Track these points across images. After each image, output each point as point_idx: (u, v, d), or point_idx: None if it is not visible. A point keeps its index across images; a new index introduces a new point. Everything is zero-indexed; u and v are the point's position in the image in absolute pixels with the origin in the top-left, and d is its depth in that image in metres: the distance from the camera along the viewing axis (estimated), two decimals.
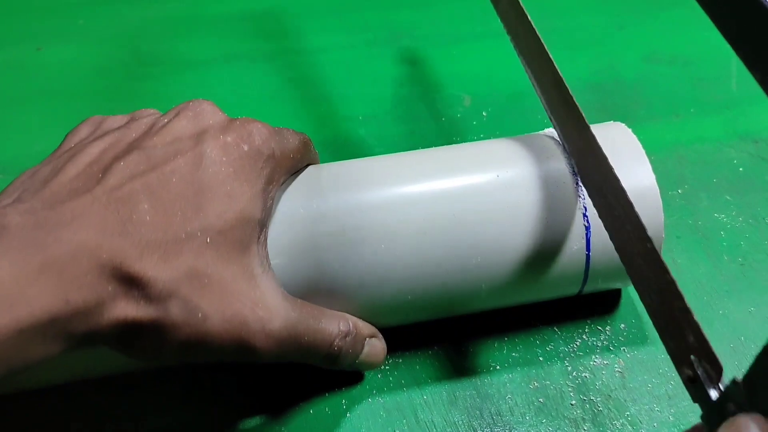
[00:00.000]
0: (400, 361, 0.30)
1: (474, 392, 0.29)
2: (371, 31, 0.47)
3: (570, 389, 0.29)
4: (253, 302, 0.23)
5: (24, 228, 0.20)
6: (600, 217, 0.25)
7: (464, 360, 0.30)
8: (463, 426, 0.28)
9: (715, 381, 0.19)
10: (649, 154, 0.39)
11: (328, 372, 0.29)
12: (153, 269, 0.21)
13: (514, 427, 0.28)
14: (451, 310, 0.29)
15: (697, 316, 0.32)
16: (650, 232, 0.22)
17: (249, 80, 0.44)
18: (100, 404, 0.29)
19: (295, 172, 0.28)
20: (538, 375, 0.29)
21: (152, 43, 0.46)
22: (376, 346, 0.28)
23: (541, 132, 0.31)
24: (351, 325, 0.26)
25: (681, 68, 0.44)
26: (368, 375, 0.30)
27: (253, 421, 0.28)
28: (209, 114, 0.25)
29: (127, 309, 0.21)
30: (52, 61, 0.45)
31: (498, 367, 0.30)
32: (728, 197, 0.37)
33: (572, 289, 0.29)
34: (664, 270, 0.21)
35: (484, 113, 0.41)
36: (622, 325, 0.31)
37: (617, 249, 0.24)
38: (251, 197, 0.24)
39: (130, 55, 0.45)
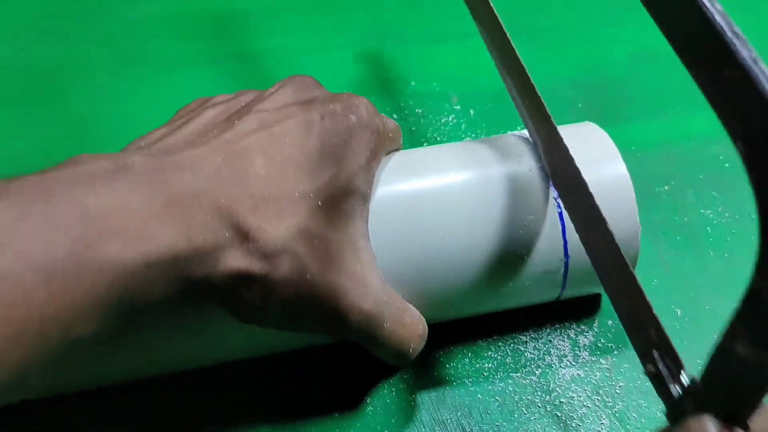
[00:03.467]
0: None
1: (463, 390, 0.29)
2: (358, 30, 0.47)
3: (558, 386, 0.29)
4: (354, 274, 0.23)
5: (147, 168, 0.20)
6: (571, 219, 0.25)
7: (454, 360, 0.30)
8: (452, 424, 0.28)
9: (676, 377, 0.19)
10: (636, 151, 0.39)
11: (317, 371, 0.29)
12: (267, 223, 0.22)
13: (503, 425, 0.28)
14: (426, 317, 0.28)
15: (683, 312, 0.32)
16: (625, 229, 0.22)
17: (237, 80, 0.43)
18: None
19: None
20: (527, 372, 0.29)
21: (137, 43, 0.45)
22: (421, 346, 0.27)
23: (516, 132, 0.31)
24: (426, 328, 0.26)
25: (668, 65, 0.44)
26: (356, 376, 0.29)
27: (242, 418, 0.28)
28: (314, 86, 0.26)
29: (241, 259, 0.21)
30: (35, 62, 0.44)
31: (487, 365, 0.30)
32: (714, 193, 0.37)
33: (551, 294, 0.29)
34: (624, 264, 0.21)
35: (471, 111, 0.41)
36: (610, 322, 0.31)
37: (586, 246, 0.24)
38: (357, 169, 0.24)
39: (114, 55, 0.44)
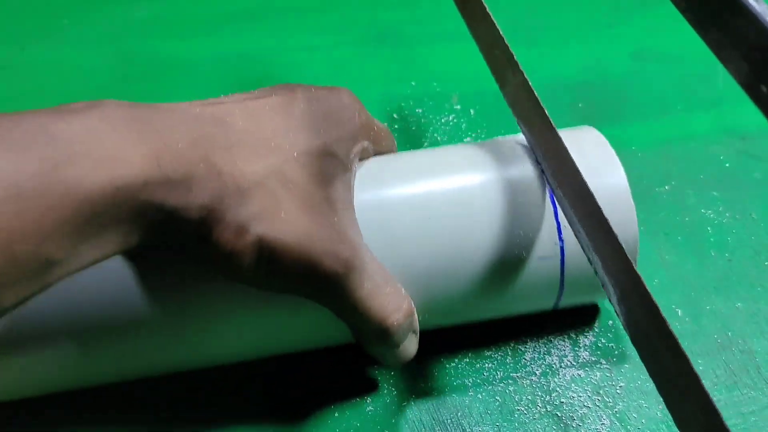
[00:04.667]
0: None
1: (463, 391, 0.29)
2: (358, 29, 0.47)
3: (558, 386, 0.29)
4: (332, 225, 0.23)
5: (121, 106, 0.21)
6: (570, 224, 0.25)
7: (454, 360, 0.30)
8: (452, 424, 0.28)
9: None
10: (636, 151, 0.39)
11: (317, 372, 0.29)
12: (241, 160, 0.22)
13: (503, 425, 0.28)
14: (424, 323, 0.27)
15: (684, 312, 0.32)
16: (623, 238, 0.21)
17: (236, 80, 0.43)
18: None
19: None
20: (527, 372, 0.29)
21: (139, 43, 0.45)
22: (413, 343, 0.26)
23: (510, 137, 0.30)
24: (414, 309, 0.26)
25: (669, 66, 0.44)
26: (356, 377, 0.29)
27: (239, 419, 0.28)
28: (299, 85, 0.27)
29: (214, 191, 0.21)
30: (36, 62, 0.44)
31: (487, 365, 0.30)
32: (715, 193, 0.37)
33: (547, 303, 0.28)
34: (628, 263, 0.21)
35: (471, 111, 0.41)
36: (610, 322, 0.31)
37: (591, 259, 0.23)
38: (336, 138, 0.25)
39: (116, 55, 0.45)
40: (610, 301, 0.23)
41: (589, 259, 0.24)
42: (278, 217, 0.22)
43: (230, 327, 0.26)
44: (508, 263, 0.26)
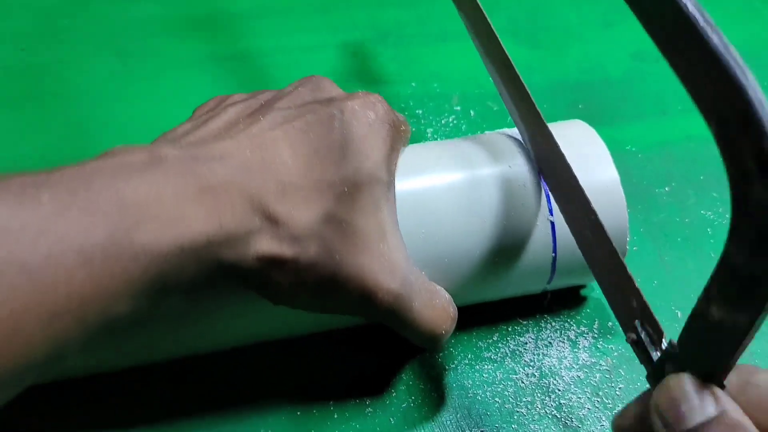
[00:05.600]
0: (387, 362, 0.30)
1: (462, 392, 0.29)
2: (358, 30, 0.47)
3: (558, 387, 0.29)
4: (382, 255, 0.24)
5: (180, 159, 0.21)
6: (561, 212, 0.26)
7: (454, 361, 0.30)
8: (451, 426, 0.28)
9: (657, 343, 0.20)
10: (636, 151, 0.39)
11: (313, 372, 0.29)
12: (295, 209, 0.23)
13: (502, 427, 0.28)
14: None
15: (684, 314, 0.32)
16: (613, 228, 0.22)
17: (235, 80, 0.43)
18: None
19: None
20: (527, 374, 0.29)
21: (136, 43, 0.45)
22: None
23: (505, 130, 0.31)
24: (456, 310, 0.27)
25: (668, 66, 0.44)
26: (355, 377, 0.29)
27: (237, 416, 0.28)
28: (330, 87, 0.27)
29: (271, 244, 0.22)
30: (36, 62, 0.44)
31: (486, 367, 0.30)
32: (715, 194, 0.37)
33: (539, 286, 0.30)
34: (608, 243, 0.22)
35: (472, 112, 0.41)
36: (610, 324, 0.31)
37: (575, 236, 0.25)
38: (380, 160, 0.25)
39: (114, 55, 0.44)
40: (592, 273, 0.24)
41: (578, 244, 0.25)
42: (333, 261, 0.23)
43: (230, 309, 0.26)
44: (501, 253, 0.27)
